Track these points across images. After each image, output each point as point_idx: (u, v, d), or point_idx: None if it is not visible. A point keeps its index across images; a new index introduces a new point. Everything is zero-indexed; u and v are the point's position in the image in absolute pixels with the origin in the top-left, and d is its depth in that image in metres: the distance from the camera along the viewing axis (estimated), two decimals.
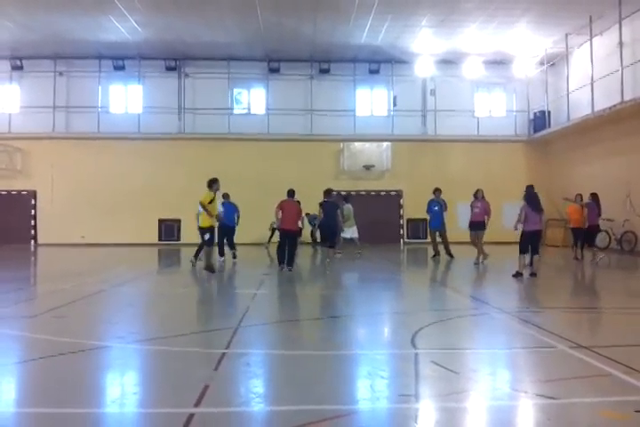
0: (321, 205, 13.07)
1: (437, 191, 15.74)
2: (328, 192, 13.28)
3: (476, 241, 14.18)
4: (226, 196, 14.97)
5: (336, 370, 4.75)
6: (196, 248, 13.63)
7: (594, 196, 14.40)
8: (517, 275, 11.07)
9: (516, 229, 11.40)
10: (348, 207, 16.31)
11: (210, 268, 11.72)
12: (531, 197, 11.39)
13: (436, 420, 3.70)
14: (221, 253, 14.57)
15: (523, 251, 11.26)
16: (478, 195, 14.49)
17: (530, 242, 11.22)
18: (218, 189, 11.94)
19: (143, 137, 22.54)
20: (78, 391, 4.15)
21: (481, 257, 13.88)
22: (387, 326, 7.07)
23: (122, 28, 19.56)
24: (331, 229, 13.04)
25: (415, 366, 4.86)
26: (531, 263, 11.40)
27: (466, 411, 3.82)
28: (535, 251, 11.33)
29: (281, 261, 12.64)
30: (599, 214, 14.37)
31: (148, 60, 22.75)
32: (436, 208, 15.56)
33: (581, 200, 14.98)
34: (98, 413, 3.75)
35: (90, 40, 20.83)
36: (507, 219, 19.87)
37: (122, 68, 22.84)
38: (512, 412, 3.85)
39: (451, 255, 15.45)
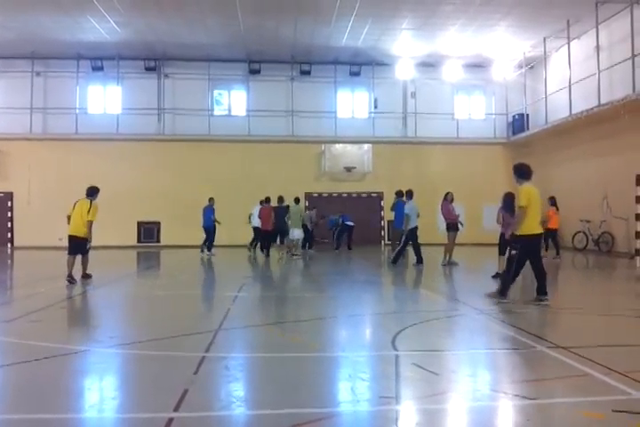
0: (274, 209, 16.50)
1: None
2: (281, 199, 16.92)
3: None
4: (210, 199, 17.87)
5: (317, 373, 4.73)
6: (253, 243, 18.03)
7: None
8: (497, 276, 11.17)
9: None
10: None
11: (72, 277, 10.46)
12: (506, 201, 11.54)
13: (416, 422, 3.70)
14: (209, 249, 17.67)
15: (502, 252, 11.37)
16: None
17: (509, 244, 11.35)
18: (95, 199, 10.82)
19: (122, 138, 22.31)
20: (56, 396, 4.07)
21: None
22: (367, 327, 7.07)
23: (101, 29, 19.37)
24: (280, 229, 16.57)
25: (396, 368, 4.86)
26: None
27: (446, 412, 3.84)
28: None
29: (262, 251, 17.05)
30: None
31: (127, 60, 22.51)
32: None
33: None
34: (76, 418, 3.70)
35: (68, 40, 20.57)
36: (486, 221, 20.01)
37: (100, 68, 22.58)
38: (492, 413, 3.88)
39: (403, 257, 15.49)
